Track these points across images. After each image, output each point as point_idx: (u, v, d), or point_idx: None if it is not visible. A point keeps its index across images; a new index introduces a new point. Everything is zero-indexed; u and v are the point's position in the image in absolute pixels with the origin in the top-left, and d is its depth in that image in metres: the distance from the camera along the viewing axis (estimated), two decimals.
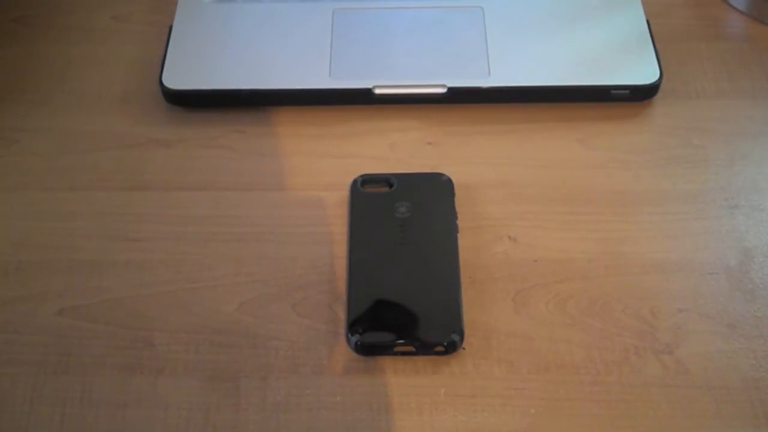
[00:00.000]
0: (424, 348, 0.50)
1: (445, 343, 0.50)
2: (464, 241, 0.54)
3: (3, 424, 0.49)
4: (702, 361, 0.50)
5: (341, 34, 0.64)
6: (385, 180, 0.57)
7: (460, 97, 0.61)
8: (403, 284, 0.52)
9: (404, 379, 0.50)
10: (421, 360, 0.50)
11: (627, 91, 0.60)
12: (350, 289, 0.52)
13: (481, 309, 0.52)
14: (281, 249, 0.55)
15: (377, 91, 0.61)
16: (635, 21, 0.64)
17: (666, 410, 0.48)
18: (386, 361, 0.50)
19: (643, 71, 0.61)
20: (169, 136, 0.61)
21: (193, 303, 0.53)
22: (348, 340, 0.50)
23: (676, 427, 0.47)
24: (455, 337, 0.50)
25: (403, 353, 0.50)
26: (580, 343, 0.51)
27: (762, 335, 0.50)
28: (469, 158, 0.59)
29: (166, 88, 0.61)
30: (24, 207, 0.58)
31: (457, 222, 0.55)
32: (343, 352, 0.51)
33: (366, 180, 0.57)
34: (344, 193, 0.57)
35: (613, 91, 0.60)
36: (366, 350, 0.50)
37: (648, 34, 0.63)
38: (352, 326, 0.50)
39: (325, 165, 0.59)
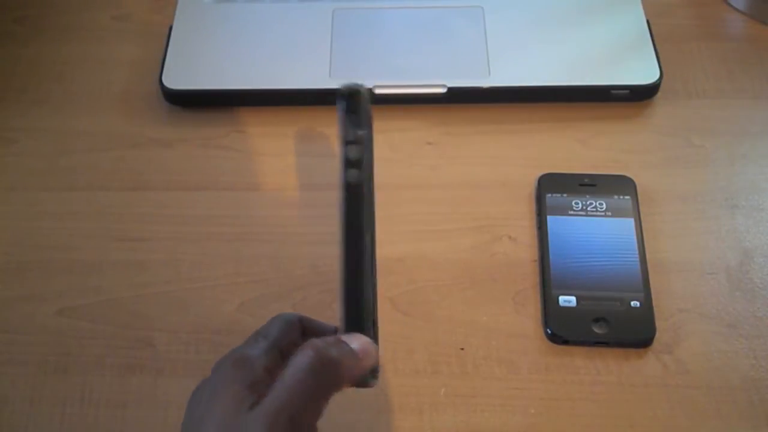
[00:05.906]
0: None
1: None
2: (464, 241, 0.54)
3: (3, 424, 0.49)
4: (702, 361, 0.50)
5: (341, 34, 0.64)
6: None
7: (459, 97, 0.61)
8: None
9: (404, 379, 0.50)
10: (421, 360, 0.50)
11: (627, 91, 0.60)
12: None
13: (481, 309, 0.52)
14: (281, 249, 0.55)
15: (377, 91, 0.61)
16: (635, 21, 0.64)
17: (666, 410, 0.48)
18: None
19: (643, 71, 0.61)
20: (169, 136, 0.61)
21: (193, 303, 0.53)
22: None
23: (676, 427, 0.47)
24: None
25: None
26: None
27: (762, 335, 0.50)
28: (469, 158, 0.59)
29: (166, 88, 0.61)
30: (24, 207, 0.58)
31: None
32: None
33: None
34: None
35: (613, 91, 0.60)
36: None
37: (648, 34, 0.63)
38: None
39: (325, 165, 0.59)
